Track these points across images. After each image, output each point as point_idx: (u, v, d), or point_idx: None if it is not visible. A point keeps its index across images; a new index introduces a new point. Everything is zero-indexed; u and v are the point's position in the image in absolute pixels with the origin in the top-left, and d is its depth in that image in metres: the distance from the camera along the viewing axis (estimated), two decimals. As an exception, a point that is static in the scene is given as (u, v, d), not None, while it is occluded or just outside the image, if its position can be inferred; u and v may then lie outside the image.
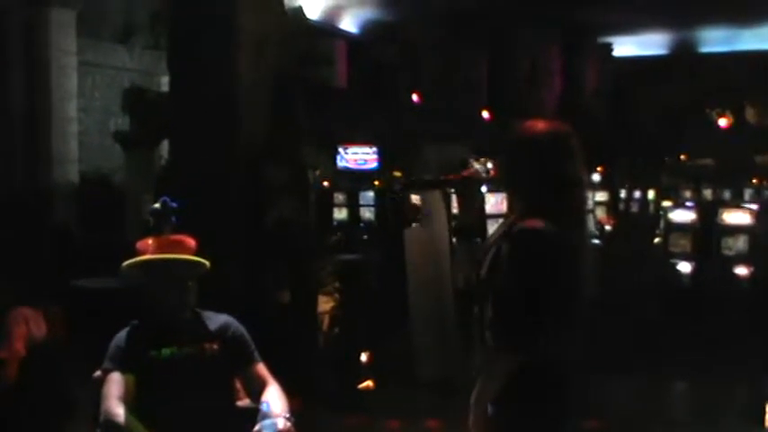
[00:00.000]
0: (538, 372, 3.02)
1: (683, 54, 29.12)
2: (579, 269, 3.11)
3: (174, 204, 3.77)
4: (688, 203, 14.23)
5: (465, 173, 3.41)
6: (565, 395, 3.13)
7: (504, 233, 3.13)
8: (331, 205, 15.52)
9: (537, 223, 3.02)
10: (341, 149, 19.75)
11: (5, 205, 11.87)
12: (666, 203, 16.70)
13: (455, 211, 7.94)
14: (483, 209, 7.48)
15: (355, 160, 19.83)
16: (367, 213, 15.91)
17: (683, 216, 12.93)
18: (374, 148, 19.96)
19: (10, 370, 5.33)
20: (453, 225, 3.29)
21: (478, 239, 3.24)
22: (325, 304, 7.62)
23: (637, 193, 20.71)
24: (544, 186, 3.10)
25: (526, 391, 3.04)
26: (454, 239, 3.35)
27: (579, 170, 3.16)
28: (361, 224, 15.28)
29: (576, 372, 3.18)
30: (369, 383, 7.88)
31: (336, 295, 7.80)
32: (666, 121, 27.77)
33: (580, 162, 3.17)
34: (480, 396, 3.11)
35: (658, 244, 14.04)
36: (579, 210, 3.21)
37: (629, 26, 26.98)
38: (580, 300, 3.12)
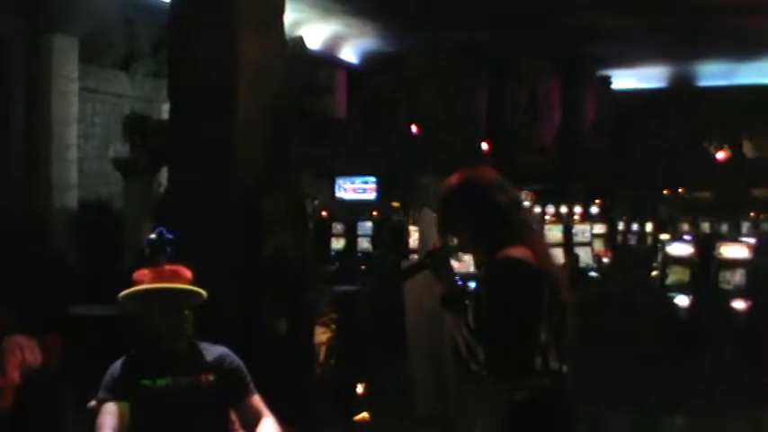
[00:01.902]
0: (540, 405, 3.04)
1: (682, 87, 29.24)
2: (558, 292, 3.14)
3: (170, 235, 3.78)
4: (686, 236, 14.25)
5: (430, 247, 3.48)
6: (568, 428, 3.14)
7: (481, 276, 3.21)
8: (329, 235, 15.53)
9: (506, 253, 3.09)
10: (339, 180, 19.79)
11: (2, 231, 11.86)
12: (664, 236, 16.74)
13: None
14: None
15: (354, 190, 19.87)
16: (365, 243, 15.93)
17: (680, 249, 12.95)
18: (373, 179, 20.01)
19: (5, 398, 5.30)
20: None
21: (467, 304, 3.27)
22: (321, 335, 7.60)
23: (634, 226, 20.73)
24: (486, 222, 3.21)
25: (530, 427, 3.05)
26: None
27: (508, 193, 3.27)
28: (359, 254, 15.29)
29: (576, 404, 3.19)
30: (364, 415, 7.85)
31: (333, 326, 7.78)
32: (664, 154, 27.84)
33: (506, 187, 3.28)
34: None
35: (655, 277, 14.05)
36: (526, 227, 3.27)
37: (629, 59, 27.12)
38: (565, 324, 3.15)
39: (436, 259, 3.37)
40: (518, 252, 3.08)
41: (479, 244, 3.29)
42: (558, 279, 3.20)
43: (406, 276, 3.70)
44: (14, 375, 5.36)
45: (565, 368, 3.11)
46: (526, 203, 19.02)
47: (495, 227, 3.19)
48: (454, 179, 3.31)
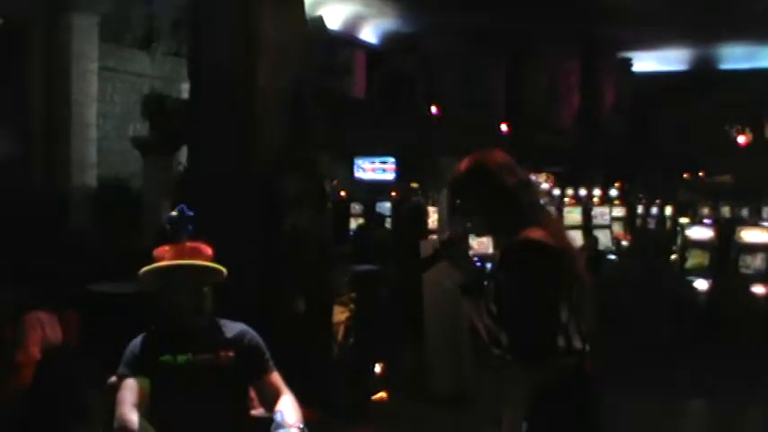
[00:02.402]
0: (566, 384, 3.04)
1: (703, 70, 29.06)
2: (577, 270, 3.13)
3: (191, 213, 3.78)
4: (706, 220, 14.19)
5: (444, 240, 3.48)
6: (589, 407, 3.14)
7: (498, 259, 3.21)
8: (348, 215, 15.52)
9: (522, 235, 3.07)
10: (358, 160, 19.77)
11: (23, 209, 11.92)
12: (684, 220, 16.68)
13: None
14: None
15: (372, 170, 19.85)
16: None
17: (700, 233, 12.91)
18: (391, 159, 19.99)
19: (25, 374, 5.34)
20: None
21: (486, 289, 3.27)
22: (340, 314, 7.60)
23: (654, 209, 20.66)
24: (498, 205, 3.20)
25: (558, 411, 3.06)
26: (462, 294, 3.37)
27: (517, 175, 3.25)
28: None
29: (598, 383, 3.19)
30: (382, 395, 7.87)
31: (351, 306, 7.78)
32: (685, 137, 27.70)
33: (515, 169, 3.26)
34: (511, 423, 3.12)
35: (674, 261, 14.01)
36: (537, 208, 3.28)
37: (650, 41, 26.96)
38: (584, 303, 3.14)
39: (452, 249, 3.37)
40: (534, 233, 3.07)
41: (493, 227, 3.29)
42: (575, 257, 3.19)
43: (422, 269, 3.69)
44: (35, 351, 5.40)
45: (588, 346, 3.11)
46: (544, 186, 18.99)
47: (506, 209, 3.19)
48: (464, 163, 3.30)
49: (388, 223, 15.17)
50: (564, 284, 3.06)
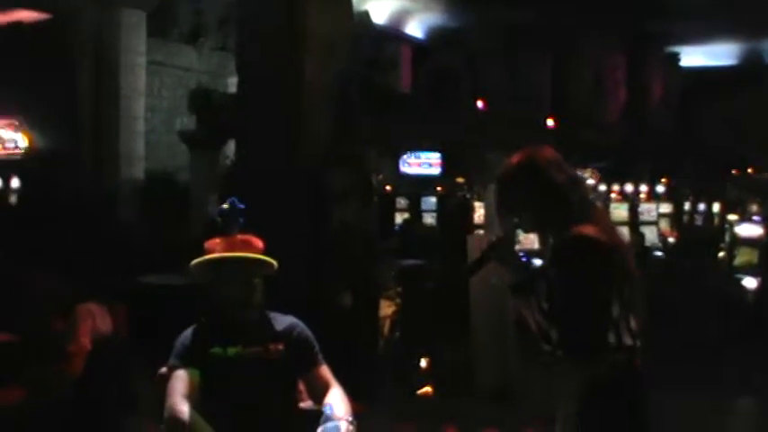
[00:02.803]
0: (617, 380, 3.03)
1: (752, 65, 28.69)
2: (628, 266, 3.12)
3: (242, 206, 3.80)
4: (755, 217, 14.03)
5: (492, 242, 3.47)
6: (644, 408, 3.13)
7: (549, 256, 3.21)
8: (393, 210, 15.54)
9: (574, 231, 3.07)
10: (403, 154, 19.77)
11: (73, 201, 12.06)
12: (732, 217, 16.48)
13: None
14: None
15: (418, 165, 19.83)
16: (429, 219, 15.92)
17: (749, 230, 12.76)
18: (437, 154, 19.96)
19: (77, 364, 5.39)
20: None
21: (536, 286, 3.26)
22: (386, 308, 7.62)
23: (701, 206, 20.45)
24: (548, 202, 3.19)
25: (608, 405, 3.06)
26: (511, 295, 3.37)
27: (566, 172, 3.24)
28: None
29: (646, 380, 3.18)
30: (427, 389, 7.87)
31: (397, 300, 7.79)
32: (734, 133, 27.36)
33: (564, 167, 3.26)
34: (566, 420, 3.14)
35: (722, 258, 13.85)
36: (587, 204, 3.26)
37: (698, 36, 26.67)
38: (635, 298, 3.14)
39: (501, 250, 3.37)
40: (586, 229, 3.06)
41: (542, 223, 3.29)
42: (626, 253, 3.18)
43: (470, 272, 3.67)
44: (86, 342, 5.45)
45: (638, 342, 3.09)
46: (590, 181, 18.86)
47: (556, 205, 3.18)
48: (514, 159, 3.30)
49: (431, 218, 15.18)
50: (615, 281, 3.05)
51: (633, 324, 3.09)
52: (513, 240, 3.42)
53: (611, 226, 3.31)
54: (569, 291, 3.03)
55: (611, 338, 3.01)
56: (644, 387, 3.14)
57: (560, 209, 3.17)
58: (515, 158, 3.29)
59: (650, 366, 3.23)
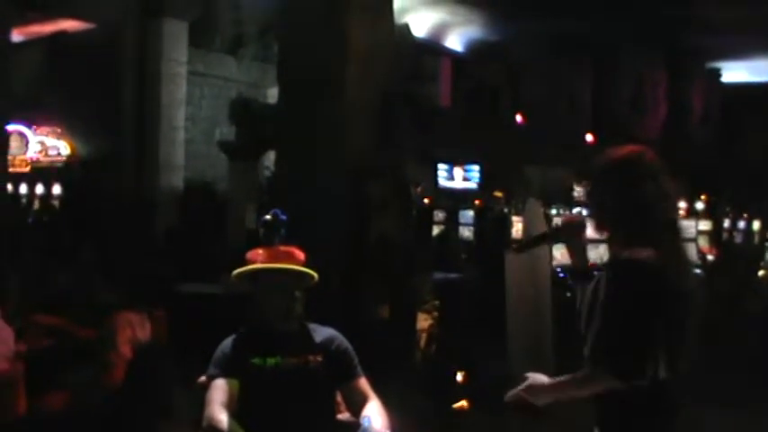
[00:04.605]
0: (648, 400, 3.01)
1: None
2: (683, 295, 3.07)
3: (284, 217, 3.81)
4: (797, 236, 13.88)
5: (562, 221, 3.44)
6: (672, 426, 3.10)
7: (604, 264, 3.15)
8: (431, 223, 15.51)
9: (640, 253, 2.99)
10: (442, 167, 19.76)
11: (115, 209, 12.16)
12: (772, 235, 16.30)
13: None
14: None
15: (457, 178, 19.82)
16: (466, 232, 15.88)
17: (790, 249, 12.62)
18: (476, 167, 19.94)
19: (117, 372, 5.44)
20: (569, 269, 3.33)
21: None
22: (423, 321, 7.60)
23: (741, 223, 20.23)
24: (628, 210, 3.09)
25: (635, 420, 3.03)
26: (570, 282, 3.36)
27: (661, 186, 3.13)
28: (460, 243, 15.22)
29: (684, 403, 3.14)
30: (463, 404, 7.83)
31: (435, 313, 7.77)
32: (775, 150, 27.08)
33: (662, 177, 3.15)
34: (555, 390, 3.14)
35: (763, 277, 13.69)
36: (669, 226, 3.15)
37: (740, 51, 26.42)
38: (687, 325, 3.09)
39: (569, 232, 3.34)
40: (643, 254, 2.99)
41: (614, 229, 3.17)
42: (684, 279, 3.11)
43: (529, 246, 3.68)
44: (126, 350, 5.50)
45: (683, 365, 3.06)
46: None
47: (634, 220, 3.09)
48: (616, 154, 3.20)
49: (468, 231, 15.14)
50: (662, 308, 3.00)
51: (678, 350, 3.05)
52: (584, 224, 3.36)
53: (679, 256, 3.20)
54: (609, 312, 2.99)
55: (646, 363, 2.97)
56: (680, 410, 3.11)
57: (636, 225, 3.08)
58: (618, 153, 3.20)
59: (689, 386, 3.20)
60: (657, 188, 3.11)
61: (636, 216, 3.08)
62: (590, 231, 3.41)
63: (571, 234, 3.36)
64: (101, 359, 5.45)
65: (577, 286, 3.28)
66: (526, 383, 3.23)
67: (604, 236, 3.21)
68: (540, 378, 3.22)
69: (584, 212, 6.76)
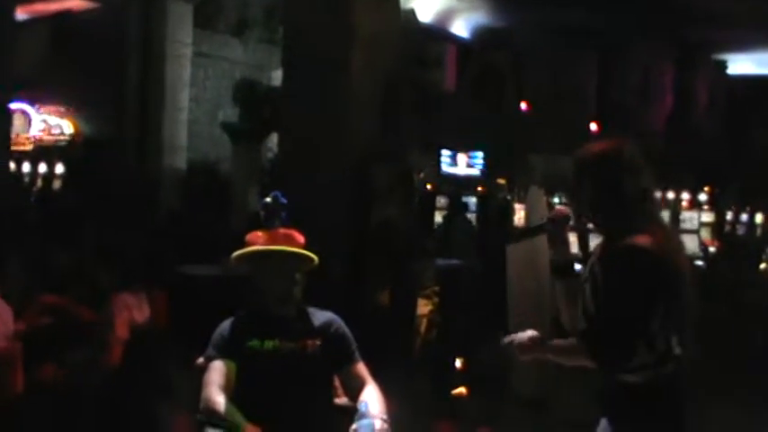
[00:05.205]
0: (652, 389, 3.02)
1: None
2: (681, 281, 3.09)
3: (285, 200, 3.80)
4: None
5: (550, 215, 3.48)
6: (678, 414, 3.11)
7: (599, 255, 3.20)
8: (433, 209, 15.48)
9: (641, 239, 3.03)
10: (446, 154, 19.74)
11: (117, 189, 12.15)
12: (775, 228, 16.29)
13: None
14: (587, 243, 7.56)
15: (460, 164, 19.80)
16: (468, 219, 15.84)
17: (793, 242, 12.61)
18: (479, 154, 19.92)
19: (115, 353, 5.44)
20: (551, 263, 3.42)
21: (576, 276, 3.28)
22: (423, 307, 7.59)
23: (744, 216, 20.22)
24: (606, 202, 3.16)
25: (639, 409, 3.06)
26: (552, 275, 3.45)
27: (640, 181, 3.19)
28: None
29: (688, 392, 3.15)
30: (462, 390, 7.83)
31: (435, 299, 7.76)
32: (780, 143, 27.03)
33: (643, 173, 3.21)
34: (549, 350, 3.21)
35: (764, 270, 13.69)
36: (650, 217, 3.20)
37: (746, 43, 26.35)
38: (687, 315, 3.11)
39: (556, 226, 3.38)
40: (642, 240, 3.01)
41: (602, 221, 3.25)
42: (681, 266, 3.13)
43: (522, 237, 3.74)
44: (123, 332, 5.50)
45: (686, 352, 3.08)
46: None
47: (616, 212, 3.14)
48: (597, 147, 3.26)
49: (471, 218, 15.12)
50: (662, 294, 3.01)
51: (676, 339, 3.06)
52: (568, 219, 3.41)
53: (669, 238, 3.24)
54: (610, 298, 3.01)
55: (643, 351, 2.99)
56: (685, 399, 3.12)
57: (623, 215, 3.13)
58: (600, 147, 3.26)
59: (690, 379, 3.20)
60: (636, 181, 3.16)
61: (615, 208, 3.14)
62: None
63: (559, 226, 3.40)
64: (98, 340, 5.45)
65: (557, 279, 3.32)
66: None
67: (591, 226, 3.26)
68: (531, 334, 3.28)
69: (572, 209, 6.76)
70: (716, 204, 19.39)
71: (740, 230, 19.76)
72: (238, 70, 16.93)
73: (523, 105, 23.77)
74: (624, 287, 2.98)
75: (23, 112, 16.91)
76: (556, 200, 14.13)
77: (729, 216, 19.90)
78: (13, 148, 14.58)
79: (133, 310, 5.64)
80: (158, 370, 5.62)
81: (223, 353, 3.69)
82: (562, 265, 3.34)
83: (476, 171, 19.88)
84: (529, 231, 3.57)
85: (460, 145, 19.94)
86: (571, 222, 3.44)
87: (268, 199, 3.80)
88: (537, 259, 7.71)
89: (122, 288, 5.69)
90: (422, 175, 15.30)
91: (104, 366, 5.41)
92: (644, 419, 3.05)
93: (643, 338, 2.99)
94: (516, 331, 3.35)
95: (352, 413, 3.62)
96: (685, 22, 23.32)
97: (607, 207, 3.17)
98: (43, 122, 17.08)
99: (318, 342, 3.74)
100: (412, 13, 19.32)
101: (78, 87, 15.52)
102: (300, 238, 3.75)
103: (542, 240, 6.43)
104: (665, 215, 16.47)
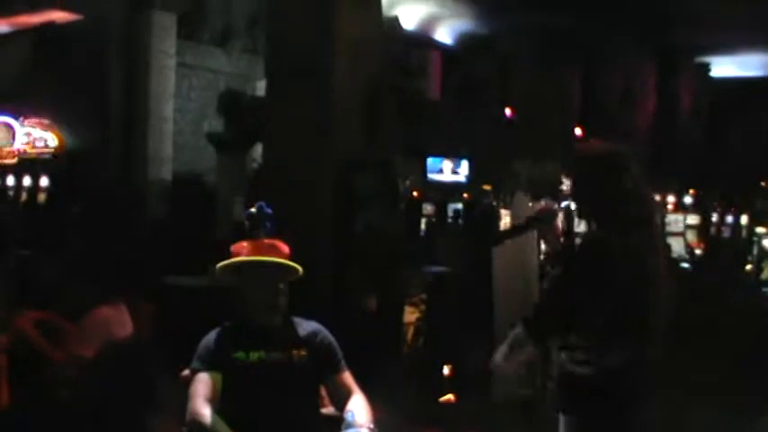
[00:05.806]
0: (597, 384, 3.09)
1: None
2: (647, 280, 3.16)
3: (270, 210, 3.80)
4: (784, 230, 13.92)
5: (536, 211, 3.63)
6: (624, 412, 3.17)
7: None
8: (419, 216, 15.49)
9: (606, 235, 3.18)
10: (431, 160, 19.74)
11: (101, 201, 12.12)
12: (760, 230, 16.33)
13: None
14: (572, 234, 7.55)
15: (445, 171, 19.81)
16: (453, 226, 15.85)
17: (778, 243, 12.66)
18: (464, 161, 19.94)
19: (70, 370, 5.33)
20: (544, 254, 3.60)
21: None
22: (410, 315, 7.60)
23: (729, 218, 20.27)
24: (603, 200, 3.28)
25: (586, 403, 3.20)
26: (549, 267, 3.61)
27: (634, 183, 3.29)
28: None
29: (647, 390, 3.20)
30: (450, 397, 7.84)
31: (422, 306, 7.77)
32: (764, 144, 27.15)
33: (637, 176, 3.31)
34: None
35: (750, 271, 13.73)
36: (641, 219, 3.29)
37: (729, 46, 26.46)
38: (652, 316, 3.18)
39: (543, 221, 3.51)
40: (606, 236, 3.11)
41: (592, 217, 3.37)
42: (650, 271, 3.17)
43: (510, 235, 3.88)
44: (87, 350, 5.36)
45: (652, 351, 3.15)
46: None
47: (606, 212, 3.26)
48: (598, 147, 3.42)
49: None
50: (610, 291, 3.06)
51: (634, 338, 3.12)
52: (555, 214, 3.54)
53: (654, 241, 3.30)
54: (555, 280, 3.15)
55: (582, 341, 3.13)
56: (638, 396, 3.18)
57: (610, 213, 3.24)
58: (601, 147, 3.36)
59: (668, 380, 3.25)
60: (627, 184, 3.27)
61: (607, 209, 3.25)
62: None
63: (543, 223, 3.54)
64: (71, 355, 5.38)
65: (555, 266, 3.46)
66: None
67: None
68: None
69: (573, 206, 6.86)
70: (701, 207, 19.45)
71: (725, 232, 19.81)
72: (223, 81, 16.90)
73: (508, 111, 23.80)
74: (569, 270, 3.12)
75: (7, 125, 16.83)
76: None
77: (715, 218, 19.96)
78: (-1, 162, 14.54)
79: (111, 325, 5.55)
80: (144, 382, 5.58)
81: (209, 364, 3.68)
82: (555, 256, 3.60)
83: (461, 177, 19.89)
84: (508, 232, 3.71)
85: (446, 152, 19.94)
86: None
87: (253, 209, 3.80)
88: (524, 260, 7.74)
89: (102, 301, 5.62)
90: (407, 182, 15.29)
91: (74, 381, 5.31)
92: (589, 414, 3.13)
93: (582, 326, 3.13)
94: (503, 330, 3.49)
95: (338, 422, 3.61)
96: (668, 26, 23.42)
97: (599, 205, 3.29)
98: (27, 135, 17.00)
99: (304, 352, 3.73)
100: (395, 20, 19.36)
101: (62, 99, 15.47)
102: (285, 249, 3.75)
103: (530, 240, 6.51)
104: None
